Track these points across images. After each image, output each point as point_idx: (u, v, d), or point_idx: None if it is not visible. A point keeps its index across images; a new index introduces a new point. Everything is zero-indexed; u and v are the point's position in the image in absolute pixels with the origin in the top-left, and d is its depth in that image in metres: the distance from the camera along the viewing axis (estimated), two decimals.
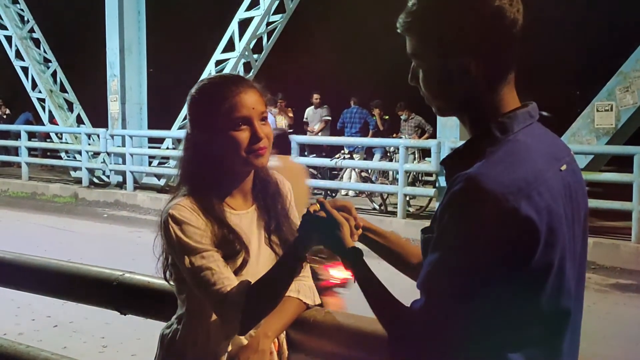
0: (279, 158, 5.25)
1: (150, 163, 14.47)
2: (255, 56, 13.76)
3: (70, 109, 16.12)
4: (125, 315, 2.56)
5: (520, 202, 1.27)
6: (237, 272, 1.83)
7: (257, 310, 1.79)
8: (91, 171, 14.68)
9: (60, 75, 16.22)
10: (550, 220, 1.30)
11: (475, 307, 1.29)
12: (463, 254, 1.28)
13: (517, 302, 1.31)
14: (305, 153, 13.39)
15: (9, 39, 16.28)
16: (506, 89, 1.41)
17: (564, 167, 1.40)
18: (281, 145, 5.27)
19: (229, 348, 1.90)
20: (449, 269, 1.30)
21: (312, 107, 14.64)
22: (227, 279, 1.77)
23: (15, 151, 17.50)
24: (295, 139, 11.93)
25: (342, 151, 12.18)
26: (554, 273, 1.32)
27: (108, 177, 14.67)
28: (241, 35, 13.59)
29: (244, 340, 1.90)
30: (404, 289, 1.73)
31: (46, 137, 17.58)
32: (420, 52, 1.43)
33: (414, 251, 1.78)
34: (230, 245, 1.84)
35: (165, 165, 14.05)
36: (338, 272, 4.89)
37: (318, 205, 1.66)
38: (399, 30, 1.45)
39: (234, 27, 13.67)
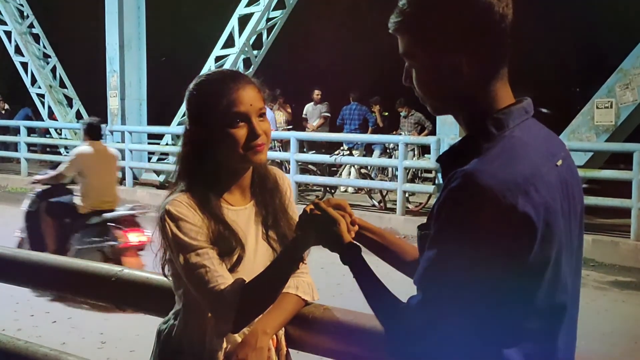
0: (90, 143, 6.63)
1: (149, 159, 14.46)
2: (255, 52, 13.75)
3: (70, 104, 16.13)
4: (124, 311, 2.56)
5: (518, 198, 1.27)
6: (232, 269, 1.83)
7: (250, 310, 1.79)
8: None
9: (60, 70, 16.22)
10: (547, 216, 1.30)
11: (471, 303, 1.29)
12: (460, 250, 1.28)
13: (513, 297, 1.31)
14: (305, 149, 13.38)
15: (8, 34, 16.27)
16: (499, 85, 1.41)
17: (559, 163, 1.40)
18: (92, 132, 6.66)
19: (225, 344, 1.90)
20: (446, 265, 1.30)
21: (312, 103, 14.62)
22: (221, 277, 1.77)
23: (14, 147, 17.47)
24: (295, 135, 11.93)
25: (342, 147, 12.17)
26: (551, 268, 1.33)
27: None
28: (241, 31, 13.58)
29: (237, 337, 1.90)
30: (402, 285, 1.73)
31: (45, 132, 17.56)
32: (412, 51, 1.42)
33: (410, 249, 1.78)
34: (226, 242, 1.84)
35: (165, 161, 14.04)
36: (135, 237, 6.27)
37: (313, 205, 1.67)
38: (390, 31, 1.45)
39: (233, 23, 13.66)
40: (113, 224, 6.40)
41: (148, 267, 3.86)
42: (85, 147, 6.59)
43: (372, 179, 11.97)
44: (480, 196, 1.27)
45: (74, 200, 6.66)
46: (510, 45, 1.40)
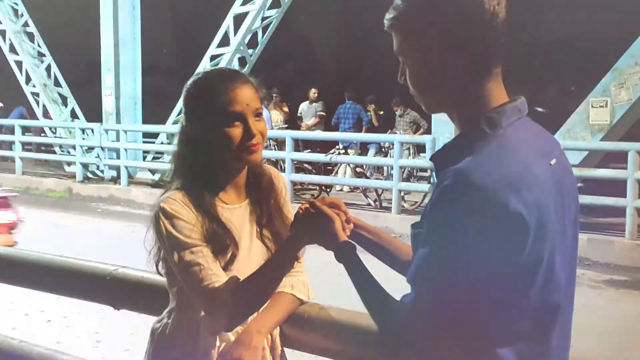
0: None
1: (144, 158, 14.44)
2: (250, 51, 13.75)
3: (65, 103, 16.08)
4: (118, 310, 2.55)
5: (510, 197, 1.27)
6: (226, 267, 1.83)
7: (244, 308, 1.78)
8: (85, 166, 14.65)
9: (54, 69, 16.16)
10: (540, 215, 1.30)
11: (464, 302, 1.29)
12: (452, 249, 1.28)
13: (506, 296, 1.31)
14: (300, 148, 13.38)
15: (2, 33, 16.21)
16: (492, 84, 1.41)
17: (553, 162, 1.40)
18: None
19: (218, 343, 1.89)
20: (439, 263, 1.30)
21: (307, 102, 14.62)
22: (215, 275, 1.76)
23: (9, 146, 17.43)
24: (290, 134, 11.93)
25: (337, 146, 12.18)
26: (544, 267, 1.32)
27: (102, 171, 14.64)
28: (236, 30, 13.57)
29: (231, 336, 1.90)
30: (397, 284, 1.73)
31: (40, 131, 17.51)
32: (405, 49, 1.43)
33: (405, 248, 1.78)
34: (220, 240, 1.83)
35: (160, 160, 14.03)
36: (5, 215, 6.95)
37: (308, 204, 1.67)
38: (385, 28, 1.45)
39: (228, 22, 13.65)
40: None
41: (20, 246, 4.38)
42: None
43: (367, 177, 11.99)
44: (472, 194, 1.27)
45: None
46: (504, 44, 1.40)
